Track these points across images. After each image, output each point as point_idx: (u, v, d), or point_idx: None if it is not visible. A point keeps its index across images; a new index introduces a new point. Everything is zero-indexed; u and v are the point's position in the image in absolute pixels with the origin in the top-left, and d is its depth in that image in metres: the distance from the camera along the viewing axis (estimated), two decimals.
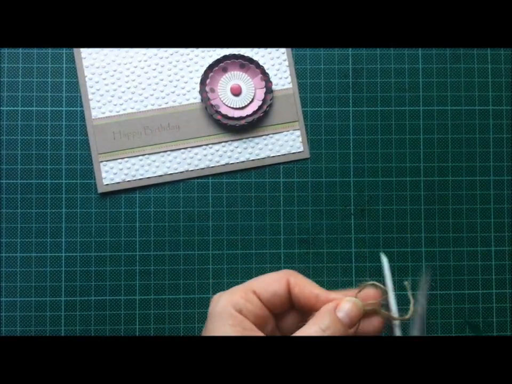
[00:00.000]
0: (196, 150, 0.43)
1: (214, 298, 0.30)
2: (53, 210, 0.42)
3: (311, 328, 0.28)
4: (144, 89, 0.42)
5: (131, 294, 0.42)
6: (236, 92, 0.42)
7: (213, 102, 0.42)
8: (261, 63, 0.43)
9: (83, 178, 0.42)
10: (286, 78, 0.43)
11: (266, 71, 0.42)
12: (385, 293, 0.30)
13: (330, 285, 0.42)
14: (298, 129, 0.43)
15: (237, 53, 0.42)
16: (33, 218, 0.42)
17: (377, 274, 0.43)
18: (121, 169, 0.42)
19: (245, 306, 0.29)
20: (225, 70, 0.42)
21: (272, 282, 0.30)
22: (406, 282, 0.31)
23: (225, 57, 0.42)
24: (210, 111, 0.42)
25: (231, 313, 0.28)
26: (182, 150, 0.43)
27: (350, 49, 0.44)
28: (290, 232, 0.43)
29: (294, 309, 0.31)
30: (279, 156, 0.43)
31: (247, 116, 0.42)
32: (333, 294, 0.30)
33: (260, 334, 0.28)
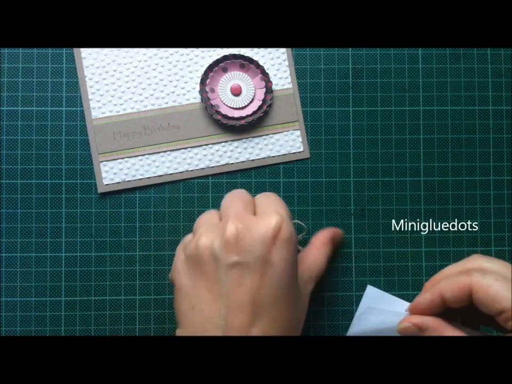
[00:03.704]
0: (195, 150, 0.43)
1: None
2: (53, 210, 0.42)
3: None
4: (144, 89, 0.42)
5: (131, 294, 0.42)
6: (236, 92, 0.42)
7: (213, 102, 0.42)
8: (261, 63, 0.43)
9: (83, 178, 0.42)
10: (286, 78, 0.43)
11: (266, 71, 0.42)
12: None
13: (330, 285, 0.42)
14: (298, 129, 0.43)
15: (237, 53, 0.42)
16: (33, 218, 0.42)
17: (377, 275, 0.43)
18: (121, 169, 0.42)
19: None
20: (225, 70, 0.42)
21: None
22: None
23: (225, 57, 0.42)
24: (210, 111, 0.42)
25: None
26: (182, 150, 0.43)
27: (350, 49, 0.43)
28: None
29: None
30: (279, 155, 0.43)
31: (247, 116, 0.42)
32: None
33: None
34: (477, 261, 0.30)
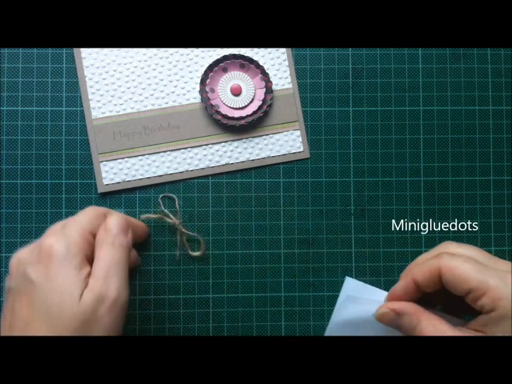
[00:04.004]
0: (195, 150, 0.43)
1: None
2: (53, 210, 0.42)
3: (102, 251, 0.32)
4: (144, 89, 0.42)
5: (131, 294, 0.42)
6: (236, 92, 0.42)
7: (213, 102, 0.42)
8: (261, 63, 0.43)
9: (83, 178, 0.42)
10: (286, 78, 0.43)
11: (266, 71, 0.42)
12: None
13: (330, 285, 0.42)
14: (298, 129, 0.43)
15: (237, 53, 0.42)
16: (33, 218, 0.42)
17: (377, 275, 0.43)
18: (121, 169, 0.42)
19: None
20: (225, 70, 0.42)
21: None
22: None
23: (225, 57, 0.42)
24: (210, 111, 0.42)
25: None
26: (182, 150, 0.43)
27: (350, 49, 0.44)
28: (290, 232, 0.43)
29: None
30: (279, 155, 0.43)
31: (247, 116, 0.42)
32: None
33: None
34: (448, 246, 0.31)
